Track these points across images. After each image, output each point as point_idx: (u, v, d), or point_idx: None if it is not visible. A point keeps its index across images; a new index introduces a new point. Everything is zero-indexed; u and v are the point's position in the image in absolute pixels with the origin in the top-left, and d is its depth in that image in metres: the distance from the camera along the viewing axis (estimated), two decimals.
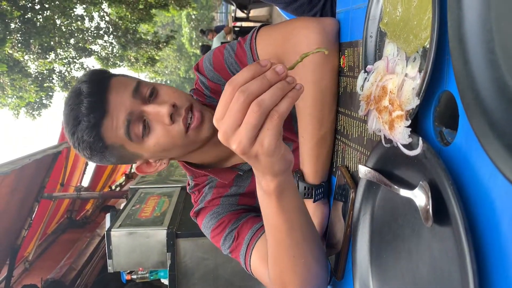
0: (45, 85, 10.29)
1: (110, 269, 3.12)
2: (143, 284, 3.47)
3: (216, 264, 2.96)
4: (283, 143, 0.57)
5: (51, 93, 10.76)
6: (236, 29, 8.26)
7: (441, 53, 0.49)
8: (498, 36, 0.39)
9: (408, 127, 0.52)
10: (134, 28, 11.03)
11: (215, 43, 7.54)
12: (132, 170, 9.02)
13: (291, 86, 0.53)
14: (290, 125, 1.00)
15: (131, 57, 11.54)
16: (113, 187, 8.61)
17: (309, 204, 0.90)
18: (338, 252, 0.86)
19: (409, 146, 0.52)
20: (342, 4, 0.85)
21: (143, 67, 11.84)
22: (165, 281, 3.34)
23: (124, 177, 8.61)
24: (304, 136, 0.86)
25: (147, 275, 3.29)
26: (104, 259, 4.49)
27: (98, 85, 0.84)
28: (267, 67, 0.52)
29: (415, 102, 0.49)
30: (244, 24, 8.73)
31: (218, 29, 8.59)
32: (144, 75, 17.16)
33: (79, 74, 11.36)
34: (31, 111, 10.74)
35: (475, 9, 0.41)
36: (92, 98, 0.82)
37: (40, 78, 10.20)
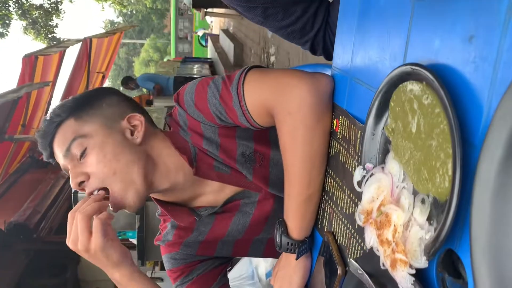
0: (0, 12, 9.59)
1: None
2: None
3: None
4: (113, 241, 0.85)
5: (8, 21, 10.06)
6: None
7: (456, 213, 0.45)
8: None
9: (412, 274, 0.50)
10: None
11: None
12: None
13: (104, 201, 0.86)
14: (266, 171, 0.96)
15: None
16: None
17: (291, 258, 0.89)
18: None
19: None
20: (338, 62, 0.79)
21: None
22: (134, 241, 3.37)
23: None
24: (290, 194, 0.83)
25: None
26: (69, 201, 4.47)
27: (48, 128, 0.92)
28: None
29: (423, 262, 0.47)
30: None
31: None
32: (108, 5, 16.22)
33: (37, 1, 10.58)
34: None
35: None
36: (42, 139, 0.93)
37: None
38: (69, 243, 0.85)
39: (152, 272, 4.04)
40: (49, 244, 5.65)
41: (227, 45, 9.39)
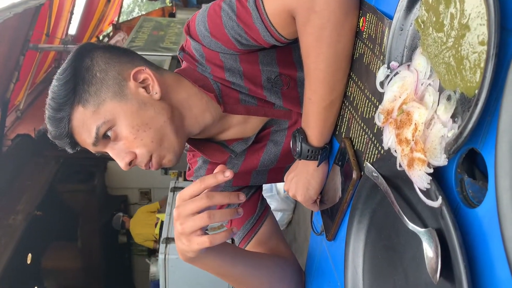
0: None
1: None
2: None
3: None
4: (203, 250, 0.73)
5: None
6: None
7: (484, 108, 0.42)
8: None
9: (429, 174, 0.48)
10: None
11: None
12: (120, 20, 8.65)
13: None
14: (295, 92, 0.92)
15: None
16: (101, 38, 8.32)
17: (310, 165, 0.88)
18: (328, 208, 0.88)
19: (426, 193, 0.49)
20: None
21: None
22: None
23: (111, 27, 8.29)
24: (312, 99, 0.80)
25: None
26: None
27: (59, 128, 0.83)
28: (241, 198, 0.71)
29: (442, 160, 0.45)
30: None
31: None
32: None
33: None
34: None
35: None
36: (59, 140, 0.85)
37: None
38: (176, 211, 0.72)
39: (175, 182, 4.20)
40: (78, 152, 5.88)
41: None
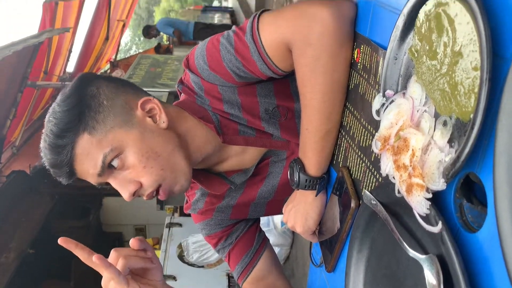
0: None
1: None
2: None
3: None
4: None
5: None
6: None
7: (480, 132, 0.43)
8: None
9: (428, 199, 0.48)
10: None
11: None
12: (117, 58, 8.78)
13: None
14: (293, 123, 0.94)
15: None
16: None
17: (308, 195, 0.88)
18: (327, 239, 0.87)
19: (426, 219, 0.49)
20: None
21: None
22: None
23: (109, 65, 8.41)
24: (309, 129, 0.81)
25: None
26: None
27: (60, 156, 0.79)
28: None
29: (441, 185, 0.45)
30: None
31: None
32: None
33: None
34: None
35: None
36: (57, 169, 0.81)
37: None
38: (102, 282, 0.75)
39: (171, 218, 4.15)
40: (73, 188, 5.82)
41: None
